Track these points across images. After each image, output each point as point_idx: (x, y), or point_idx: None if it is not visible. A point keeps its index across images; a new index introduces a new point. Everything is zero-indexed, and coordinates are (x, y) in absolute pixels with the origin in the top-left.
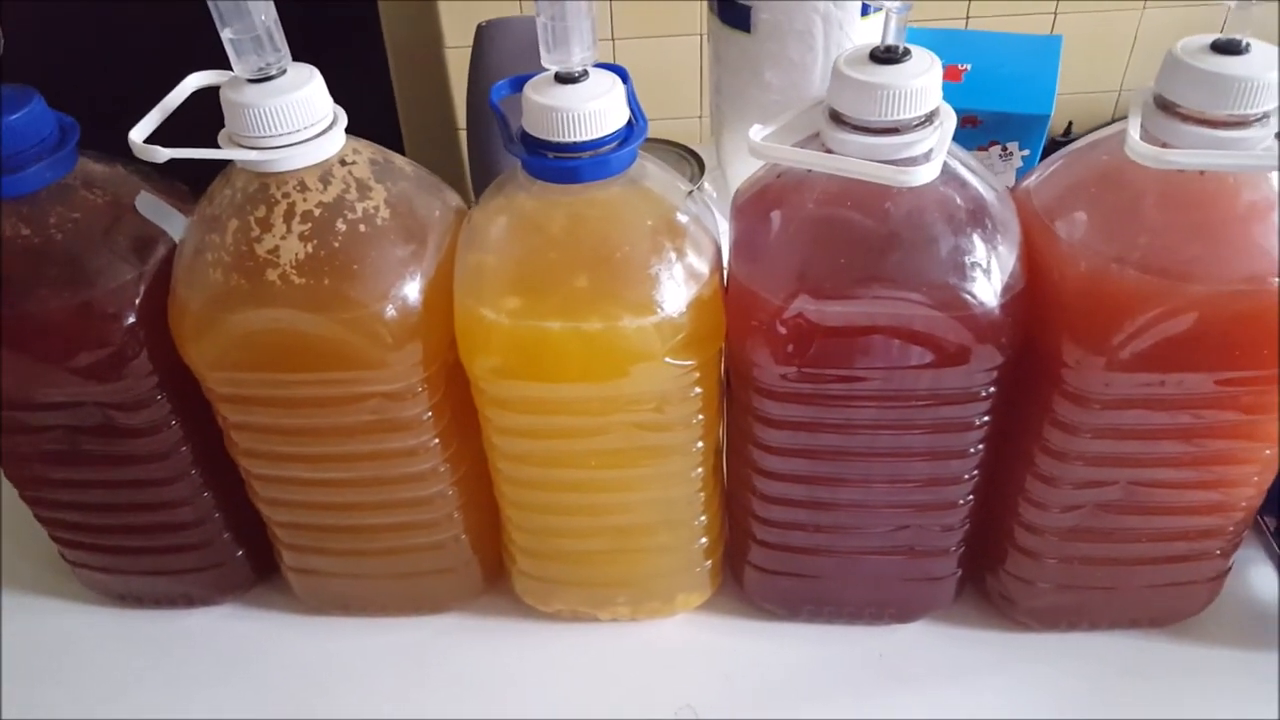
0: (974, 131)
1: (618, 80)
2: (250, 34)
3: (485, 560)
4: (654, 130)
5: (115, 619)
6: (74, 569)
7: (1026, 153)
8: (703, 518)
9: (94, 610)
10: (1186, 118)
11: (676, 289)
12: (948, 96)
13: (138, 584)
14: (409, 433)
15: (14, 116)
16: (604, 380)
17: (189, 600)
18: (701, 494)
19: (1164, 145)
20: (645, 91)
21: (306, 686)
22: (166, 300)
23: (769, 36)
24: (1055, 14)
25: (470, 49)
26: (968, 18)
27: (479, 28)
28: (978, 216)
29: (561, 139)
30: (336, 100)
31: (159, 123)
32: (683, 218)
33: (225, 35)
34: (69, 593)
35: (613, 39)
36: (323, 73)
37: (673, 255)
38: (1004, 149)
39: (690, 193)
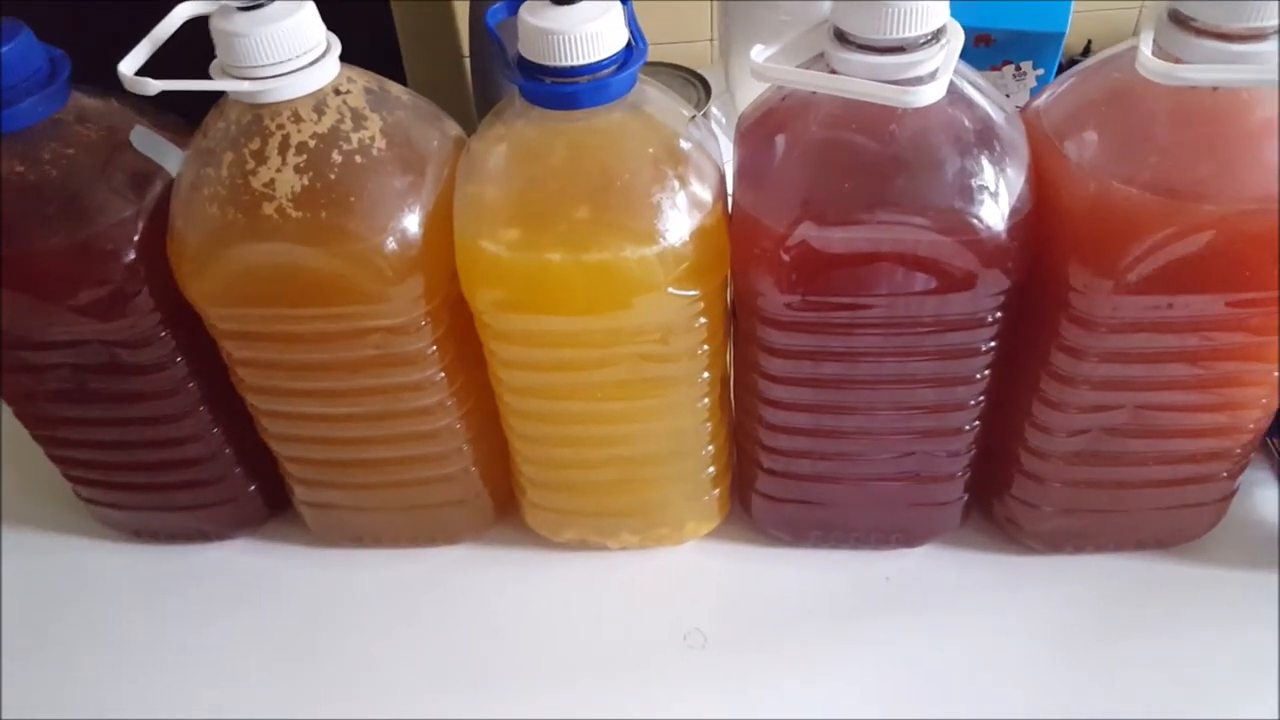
0: (986, 51)
1: (615, 1)
2: None
3: (496, 492)
4: (661, 54)
5: (130, 554)
6: (88, 505)
7: (1041, 72)
8: (710, 447)
9: (108, 546)
10: (1201, 31)
11: (679, 218)
12: (960, 14)
13: (151, 520)
14: (414, 367)
15: (4, 49)
16: (607, 312)
17: (204, 535)
18: (708, 424)
19: (1177, 61)
20: (650, 12)
21: (322, 618)
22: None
23: None
24: None
25: None
26: None
27: None
28: (985, 138)
29: (558, 63)
30: (332, 24)
31: (150, 54)
32: (685, 144)
33: None
34: (83, 529)
35: None
36: None
37: (675, 183)
38: (1017, 69)
39: (693, 118)
